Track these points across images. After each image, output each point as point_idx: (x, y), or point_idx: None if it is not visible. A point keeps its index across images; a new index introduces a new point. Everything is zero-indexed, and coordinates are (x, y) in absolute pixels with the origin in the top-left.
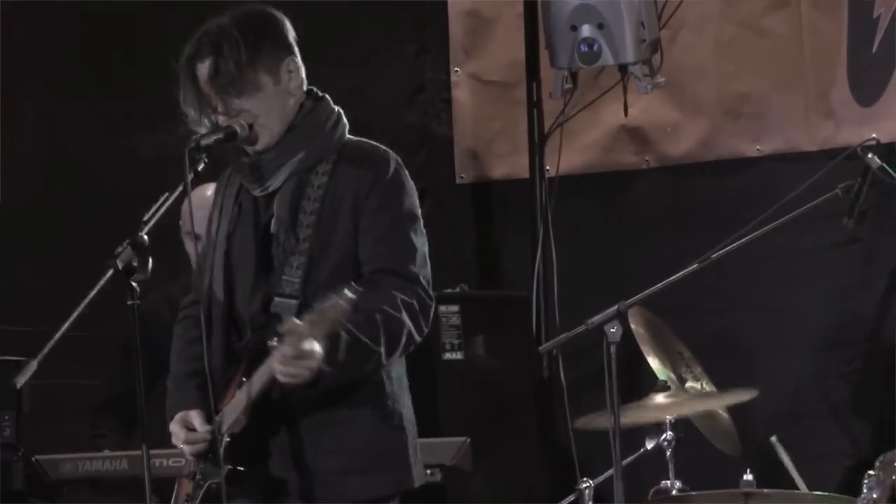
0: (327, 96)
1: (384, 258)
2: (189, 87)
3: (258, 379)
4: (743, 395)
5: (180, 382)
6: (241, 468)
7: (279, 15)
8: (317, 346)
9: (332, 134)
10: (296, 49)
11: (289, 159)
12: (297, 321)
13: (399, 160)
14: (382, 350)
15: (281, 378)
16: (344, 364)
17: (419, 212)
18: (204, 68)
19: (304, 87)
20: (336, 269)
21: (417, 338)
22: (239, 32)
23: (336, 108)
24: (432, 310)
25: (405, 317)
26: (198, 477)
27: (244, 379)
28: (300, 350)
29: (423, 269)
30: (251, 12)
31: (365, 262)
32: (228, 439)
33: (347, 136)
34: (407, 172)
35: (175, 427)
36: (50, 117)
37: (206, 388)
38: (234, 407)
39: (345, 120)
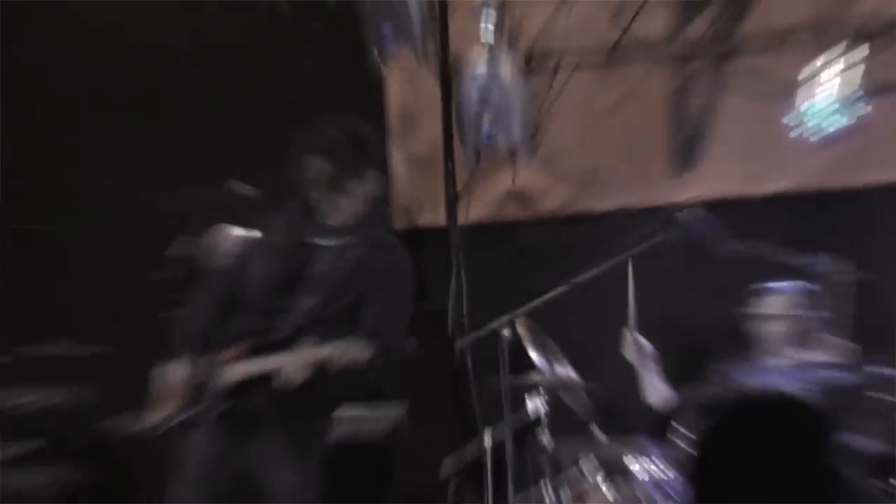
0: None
1: (376, 327)
2: (308, 174)
3: (271, 362)
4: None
5: (197, 340)
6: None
7: (369, 132)
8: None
9: (380, 225)
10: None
11: (348, 238)
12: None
13: (410, 256)
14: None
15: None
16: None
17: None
18: (320, 168)
19: None
20: (334, 320)
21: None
22: (351, 155)
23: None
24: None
25: (370, 377)
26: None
27: (246, 352)
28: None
29: (401, 339)
30: (357, 135)
31: (361, 324)
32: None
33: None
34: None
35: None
36: None
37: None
38: (244, 369)
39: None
